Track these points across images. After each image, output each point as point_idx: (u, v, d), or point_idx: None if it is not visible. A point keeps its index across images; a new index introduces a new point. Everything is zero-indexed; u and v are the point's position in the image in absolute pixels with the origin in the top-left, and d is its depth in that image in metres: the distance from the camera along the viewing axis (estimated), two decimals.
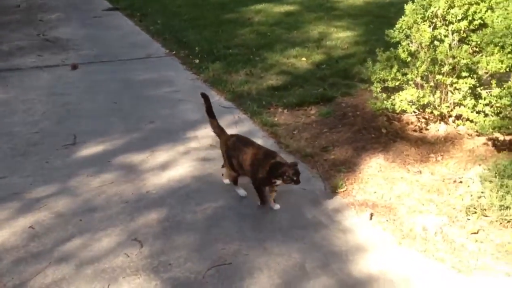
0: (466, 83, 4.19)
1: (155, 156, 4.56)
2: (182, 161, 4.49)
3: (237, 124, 5.26)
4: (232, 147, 3.77)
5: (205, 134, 4.88)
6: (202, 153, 4.62)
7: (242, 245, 3.34)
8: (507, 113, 4.19)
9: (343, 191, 4.02)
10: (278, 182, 3.55)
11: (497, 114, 4.22)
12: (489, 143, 4.44)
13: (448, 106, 4.54)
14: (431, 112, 4.60)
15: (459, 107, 4.42)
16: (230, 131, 5.09)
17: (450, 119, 4.67)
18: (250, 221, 3.63)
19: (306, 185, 4.10)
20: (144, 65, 7.48)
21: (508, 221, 3.50)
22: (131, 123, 5.31)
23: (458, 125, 4.59)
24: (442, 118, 4.70)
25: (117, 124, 5.30)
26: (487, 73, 4.34)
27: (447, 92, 4.52)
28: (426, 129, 4.80)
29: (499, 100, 4.11)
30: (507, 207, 3.56)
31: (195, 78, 6.83)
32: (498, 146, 4.39)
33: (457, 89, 4.37)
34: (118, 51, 8.09)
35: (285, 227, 3.57)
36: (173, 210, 3.74)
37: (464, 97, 4.37)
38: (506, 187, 3.67)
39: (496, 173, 3.83)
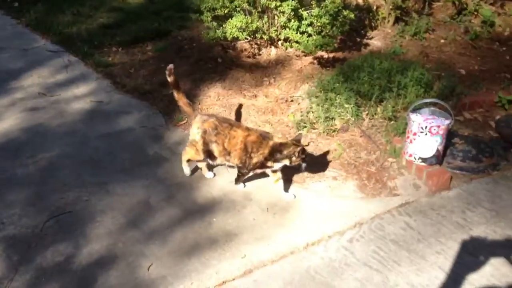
0: (288, 5, 4.34)
1: None
2: (8, 114, 4.12)
3: (67, 68, 4.93)
4: (213, 131, 3.14)
5: (31, 83, 4.50)
6: (29, 103, 4.28)
7: (82, 192, 3.22)
8: (328, 31, 4.47)
9: (184, 123, 4.04)
10: (278, 165, 3.13)
11: (319, 33, 4.48)
12: (315, 61, 4.73)
13: (276, 30, 4.70)
14: (261, 37, 4.73)
15: (285, 29, 4.59)
16: (60, 76, 4.80)
17: (280, 43, 4.86)
18: (89, 167, 3.50)
19: (147, 122, 4.05)
20: None
21: (334, 131, 3.82)
22: None
23: (286, 47, 4.80)
24: (272, 42, 4.87)
25: None
26: None
27: (274, 16, 4.66)
28: (259, 55, 4.95)
29: (319, 19, 4.35)
30: (332, 118, 3.89)
31: (14, 23, 6.19)
32: (323, 63, 4.71)
33: (282, 12, 4.53)
34: None
35: (127, 167, 3.51)
36: (0, 166, 3.45)
37: (289, 20, 4.55)
38: (330, 100, 3.98)
39: (321, 88, 4.13)
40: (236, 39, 4.73)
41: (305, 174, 3.46)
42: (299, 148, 3.07)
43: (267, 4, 4.42)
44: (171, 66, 3.26)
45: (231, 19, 4.57)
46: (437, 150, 3.31)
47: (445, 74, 4.44)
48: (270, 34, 4.70)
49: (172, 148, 3.72)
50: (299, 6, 4.42)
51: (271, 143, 3.09)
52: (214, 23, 4.70)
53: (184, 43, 5.40)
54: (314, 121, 3.90)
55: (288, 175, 3.36)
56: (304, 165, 3.14)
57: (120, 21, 6.16)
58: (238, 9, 4.61)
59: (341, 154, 3.61)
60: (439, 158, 3.38)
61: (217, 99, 4.34)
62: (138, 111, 4.22)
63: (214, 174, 3.42)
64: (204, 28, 5.22)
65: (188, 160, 3.36)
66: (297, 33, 4.51)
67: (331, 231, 2.94)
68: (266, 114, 4.12)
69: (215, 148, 3.17)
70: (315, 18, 4.36)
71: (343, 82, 4.08)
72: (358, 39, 5.26)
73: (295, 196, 3.23)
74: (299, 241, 2.86)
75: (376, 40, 5.24)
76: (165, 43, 5.46)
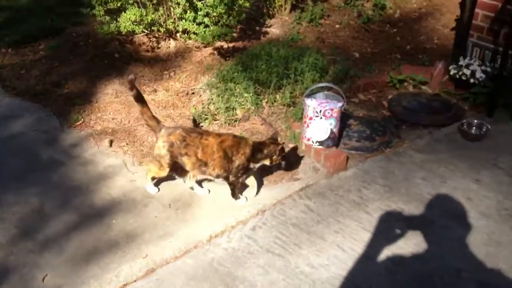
0: None
1: None
2: None
3: None
4: (181, 143, 2.95)
5: None
6: None
7: None
8: (224, 21, 4.45)
9: (80, 123, 3.88)
10: (257, 166, 3.07)
11: (216, 24, 4.46)
12: (215, 52, 4.70)
13: (173, 22, 4.62)
14: (159, 30, 4.63)
15: (182, 21, 4.52)
16: None
17: (178, 35, 4.78)
18: None
19: (39, 125, 3.84)
20: None
21: (235, 120, 3.83)
22: None
23: (185, 39, 4.73)
24: (170, 34, 4.78)
25: None
26: None
27: (170, 8, 4.57)
28: (158, 48, 4.84)
29: (215, 9, 4.32)
30: (232, 108, 3.89)
31: None
32: (223, 54, 4.69)
33: (177, 4, 4.45)
34: None
35: (19, 174, 3.31)
36: None
37: (185, 11, 4.48)
38: (230, 90, 3.98)
39: (220, 79, 4.12)
40: (132, 33, 4.59)
41: None
42: (279, 147, 3.05)
43: None
44: (131, 76, 2.99)
45: (124, 12, 4.42)
46: (332, 133, 3.41)
47: (340, 58, 4.59)
48: (168, 26, 4.61)
49: (68, 151, 3.56)
50: None
51: (250, 142, 3.03)
52: (107, 17, 4.52)
53: (79, 40, 5.16)
54: (216, 112, 3.89)
55: None
56: (283, 163, 3.15)
57: (9, 20, 5.78)
58: (131, 1, 4.46)
59: None
60: (335, 140, 3.49)
61: (115, 96, 4.20)
62: (30, 114, 3.99)
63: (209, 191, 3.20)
64: (99, 23, 5.02)
65: (153, 178, 3.15)
66: (194, 24, 4.46)
67: (234, 221, 2.95)
68: (167, 109, 4.05)
69: (187, 161, 2.98)
70: (211, 8, 4.33)
71: (242, 72, 4.09)
72: (258, 28, 5.29)
73: (209, 191, 3.19)
74: (203, 234, 2.85)
75: (274, 28, 5.30)
76: (58, 41, 5.19)
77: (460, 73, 4.19)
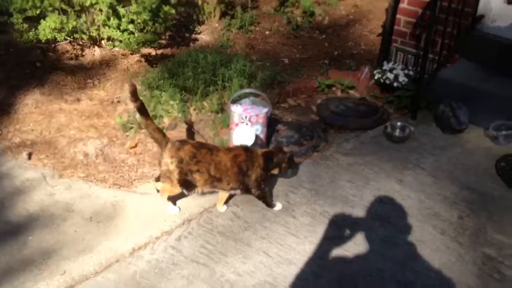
0: (103, 2, 4.15)
1: None
2: None
3: None
4: (192, 160, 2.83)
5: None
6: None
7: None
8: (150, 28, 4.37)
9: None
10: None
11: (141, 30, 4.36)
12: (142, 59, 4.60)
13: (97, 29, 4.47)
14: (81, 38, 4.47)
15: (105, 28, 4.39)
16: None
17: (103, 42, 4.64)
18: None
19: None
20: None
21: (162, 129, 3.73)
22: None
23: (110, 47, 4.60)
24: (95, 42, 4.64)
25: None
26: None
27: (93, 14, 4.43)
28: (82, 56, 4.68)
29: (139, 16, 4.22)
30: (159, 116, 3.80)
31: None
32: (151, 61, 4.60)
33: (100, 10, 4.32)
34: None
35: None
36: None
37: (108, 18, 4.35)
38: (156, 97, 3.90)
39: (146, 87, 4.02)
40: (54, 40, 4.42)
41: (133, 176, 3.35)
42: (288, 155, 3.05)
43: (82, 2, 4.18)
44: (133, 87, 2.77)
45: (44, 19, 4.24)
46: (259, 138, 3.40)
47: (269, 64, 4.61)
48: (91, 33, 4.46)
49: None
50: (116, 3, 4.24)
51: (259, 152, 2.98)
52: (25, 25, 4.32)
53: (0, 49, 4.91)
54: (142, 121, 3.78)
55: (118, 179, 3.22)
56: (290, 170, 3.19)
57: None
58: (51, 9, 4.28)
59: None
60: (263, 145, 3.47)
61: (35, 106, 4.01)
62: None
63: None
64: (18, 31, 4.79)
65: (169, 198, 2.97)
66: (118, 31, 4.33)
67: (159, 232, 2.86)
68: (91, 118, 3.90)
69: (198, 178, 2.86)
70: (135, 15, 4.23)
71: (168, 79, 4.02)
72: (187, 35, 5.23)
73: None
74: (125, 247, 2.74)
75: (204, 35, 5.26)
76: None
77: (384, 77, 4.30)
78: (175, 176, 2.85)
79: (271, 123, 3.68)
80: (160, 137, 2.90)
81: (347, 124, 4.01)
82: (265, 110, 3.39)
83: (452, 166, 3.45)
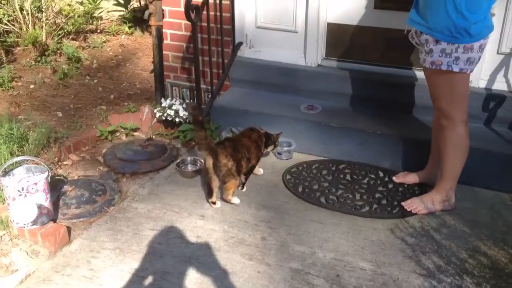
0: None
1: None
2: None
3: None
4: (235, 152, 3.32)
5: None
6: None
7: None
8: None
9: None
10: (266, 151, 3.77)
11: None
12: None
13: None
14: None
15: None
16: None
17: None
18: None
19: None
20: None
21: None
22: None
23: None
24: None
25: None
26: None
27: None
28: None
29: None
30: None
31: None
32: None
33: None
34: None
35: None
36: None
37: None
38: None
39: None
40: None
41: None
42: (277, 135, 3.73)
43: None
44: (194, 103, 3.26)
45: None
46: (44, 208, 3.06)
47: (41, 121, 4.23)
48: None
49: None
50: None
51: (262, 132, 3.61)
52: None
53: None
54: None
55: None
56: (287, 153, 3.92)
57: None
58: None
59: None
60: (50, 214, 3.14)
61: None
62: None
63: None
64: None
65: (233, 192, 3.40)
66: None
67: None
68: None
69: (244, 164, 3.38)
70: None
71: None
72: None
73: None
74: None
75: None
76: None
77: (165, 114, 4.30)
78: (234, 169, 3.31)
79: (55, 186, 3.36)
80: (209, 144, 3.24)
81: (139, 169, 3.91)
82: (44, 175, 3.07)
83: (245, 188, 3.60)
